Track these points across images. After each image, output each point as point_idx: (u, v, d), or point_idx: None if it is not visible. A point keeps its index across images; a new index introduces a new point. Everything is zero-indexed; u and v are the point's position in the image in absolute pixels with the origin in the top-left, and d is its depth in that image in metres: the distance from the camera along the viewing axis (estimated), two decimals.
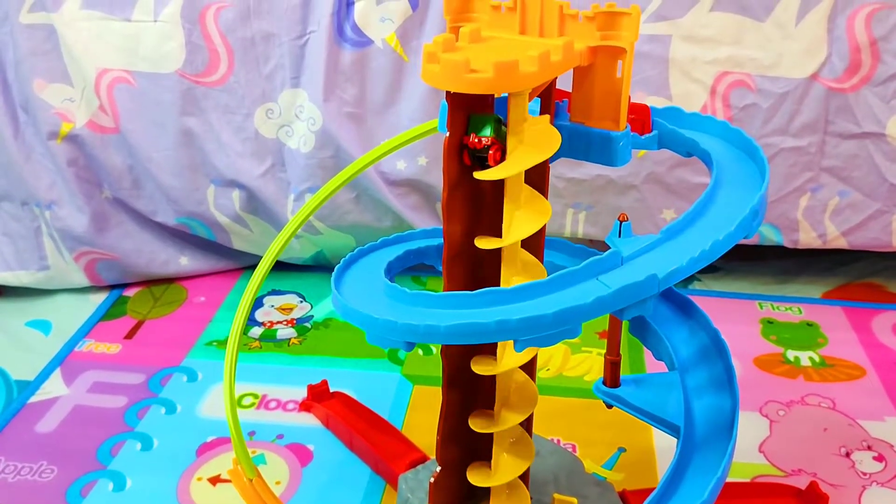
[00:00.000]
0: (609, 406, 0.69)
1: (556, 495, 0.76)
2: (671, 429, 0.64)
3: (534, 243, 0.65)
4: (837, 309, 1.18)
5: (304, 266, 1.25)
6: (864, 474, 0.88)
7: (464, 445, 0.71)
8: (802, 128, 1.08)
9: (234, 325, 0.67)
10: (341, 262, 0.67)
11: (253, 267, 1.26)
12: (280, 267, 1.23)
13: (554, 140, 0.60)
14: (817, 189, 1.11)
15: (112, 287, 1.23)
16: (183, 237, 1.22)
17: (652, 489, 0.83)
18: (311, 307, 1.18)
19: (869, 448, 0.92)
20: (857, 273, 1.26)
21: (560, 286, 0.57)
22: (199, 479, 0.87)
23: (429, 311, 0.58)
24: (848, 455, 0.91)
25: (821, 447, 0.92)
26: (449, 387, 0.68)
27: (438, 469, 0.72)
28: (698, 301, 0.72)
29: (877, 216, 1.11)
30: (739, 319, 1.15)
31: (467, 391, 0.69)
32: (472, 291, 0.58)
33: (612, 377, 0.69)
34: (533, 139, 0.59)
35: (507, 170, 0.58)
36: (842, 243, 1.14)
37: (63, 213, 1.15)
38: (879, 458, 0.90)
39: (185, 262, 1.23)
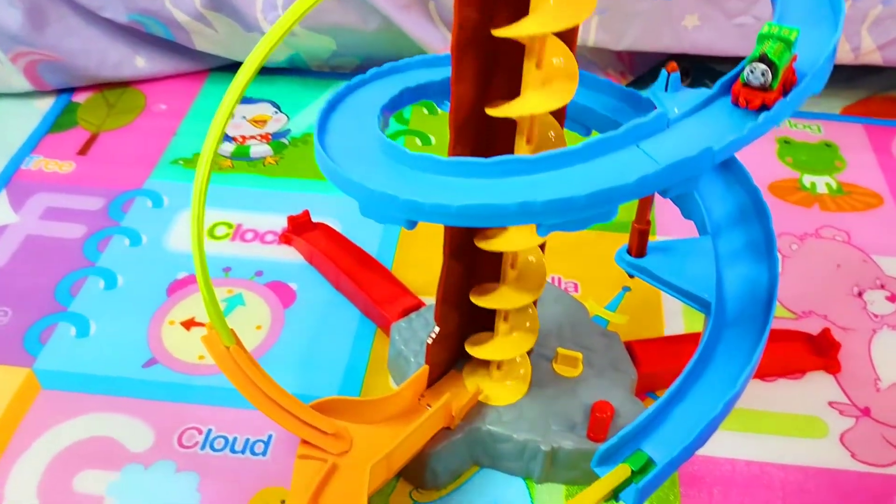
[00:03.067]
0: (631, 276, 0.62)
1: (559, 350, 0.71)
2: (701, 304, 0.57)
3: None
4: (858, 127, 1.09)
5: (277, 69, 1.11)
6: (876, 316, 0.84)
7: (466, 263, 0.63)
8: None
9: (199, 172, 0.54)
10: (325, 103, 0.56)
11: (219, 69, 1.12)
12: None
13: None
14: None
15: (59, 92, 1.08)
16: (137, 35, 1.06)
17: (660, 338, 0.79)
18: (288, 119, 1.06)
19: (882, 287, 0.87)
20: (881, 84, 1.16)
21: (595, 154, 0.48)
22: (172, 322, 0.79)
23: (435, 179, 0.48)
24: (860, 295, 0.86)
25: (833, 286, 0.87)
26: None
27: (437, 329, 0.66)
28: None
29: None
30: None
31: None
32: (487, 158, 0.48)
33: (638, 246, 0.60)
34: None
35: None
36: (876, 58, 1.03)
37: None
38: (892, 298, 0.86)
39: (141, 63, 1.08)
